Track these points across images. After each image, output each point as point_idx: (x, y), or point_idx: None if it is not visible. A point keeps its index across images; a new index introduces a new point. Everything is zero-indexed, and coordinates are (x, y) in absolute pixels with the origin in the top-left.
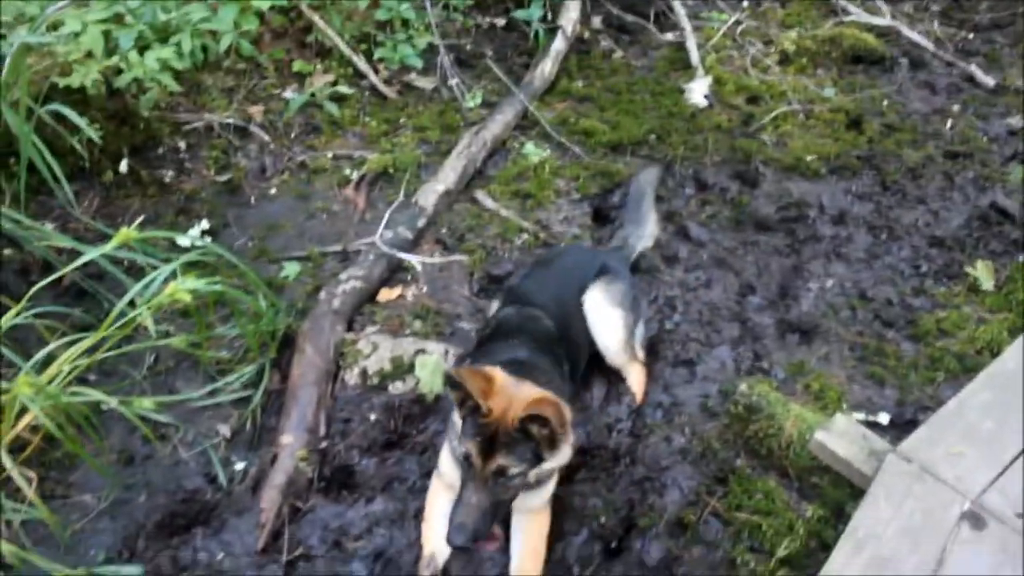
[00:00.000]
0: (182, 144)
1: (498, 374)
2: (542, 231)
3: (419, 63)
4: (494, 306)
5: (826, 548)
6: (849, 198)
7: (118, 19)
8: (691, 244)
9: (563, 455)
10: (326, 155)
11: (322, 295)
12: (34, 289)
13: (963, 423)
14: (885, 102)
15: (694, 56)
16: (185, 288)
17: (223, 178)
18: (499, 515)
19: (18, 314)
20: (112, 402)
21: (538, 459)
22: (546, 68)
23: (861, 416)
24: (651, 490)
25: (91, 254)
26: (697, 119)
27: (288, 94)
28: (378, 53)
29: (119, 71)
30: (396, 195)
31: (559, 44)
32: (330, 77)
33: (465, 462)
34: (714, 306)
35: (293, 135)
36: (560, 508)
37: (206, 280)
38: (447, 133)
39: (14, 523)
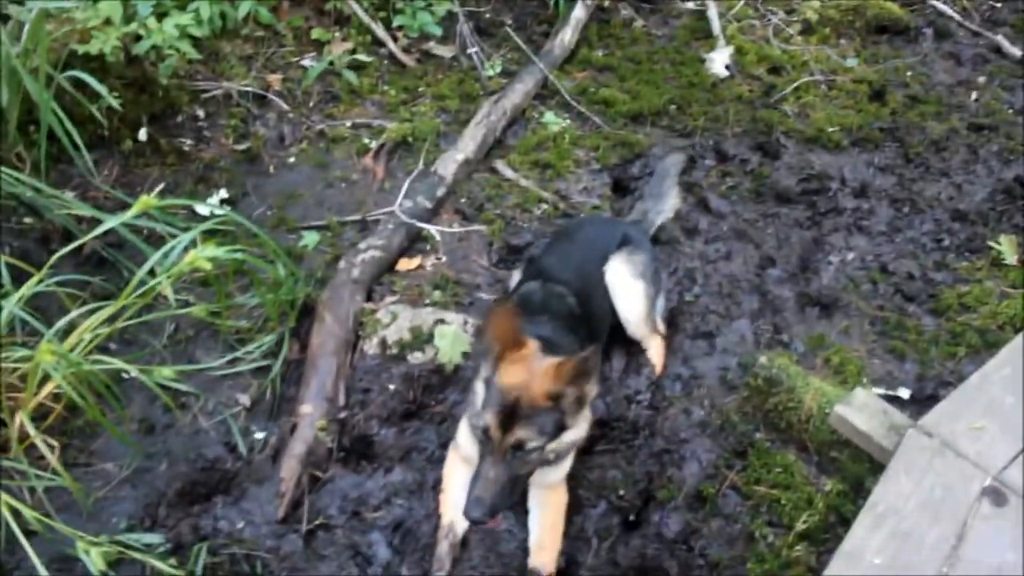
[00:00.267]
0: (201, 112)
1: (532, 344)
2: (561, 201)
3: (438, 31)
4: (515, 276)
5: (845, 523)
6: (871, 170)
7: None
8: (711, 216)
9: (582, 428)
10: (345, 124)
11: (341, 264)
12: (55, 257)
13: (985, 398)
14: (909, 73)
15: (715, 25)
16: (205, 256)
17: (242, 147)
18: (517, 490)
19: (39, 282)
20: (133, 371)
21: (560, 430)
22: (566, 37)
23: (881, 391)
24: (670, 463)
25: (111, 222)
26: (718, 89)
27: (307, 62)
28: (397, 21)
29: (138, 38)
30: (415, 164)
31: (579, 12)
32: (349, 45)
33: (484, 435)
34: (734, 278)
35: (312, 103)
36: (579, 481)
37: (226, 248)
38: (466, 102)
39: (38, 490)
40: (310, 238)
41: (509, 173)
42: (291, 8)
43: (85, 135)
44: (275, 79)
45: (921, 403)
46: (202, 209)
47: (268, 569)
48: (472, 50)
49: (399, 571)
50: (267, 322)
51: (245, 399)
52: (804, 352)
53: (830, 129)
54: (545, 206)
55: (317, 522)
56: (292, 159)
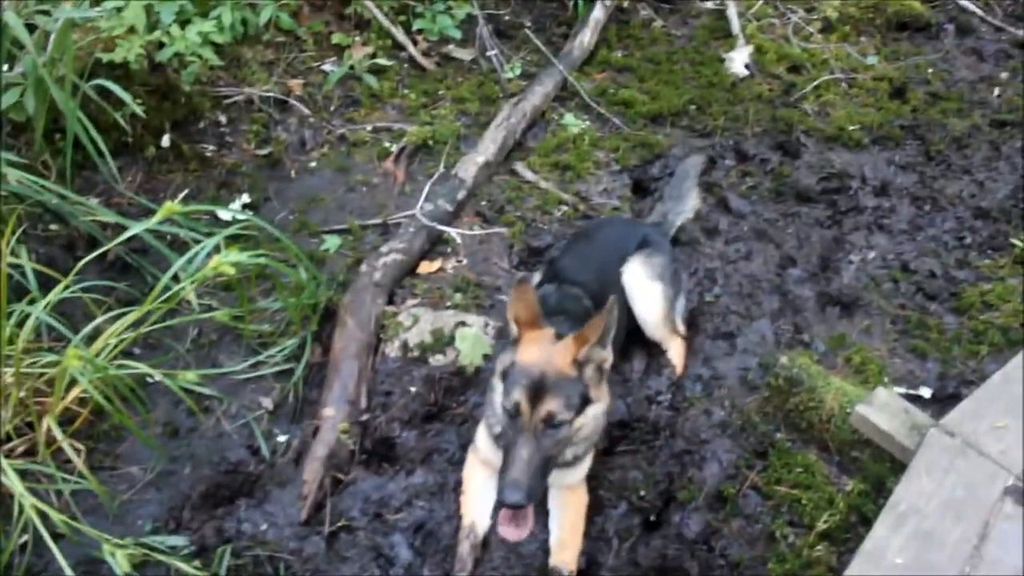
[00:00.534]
0: (223, 118)
1: (549, 330)
2: (582, 203)
3: (457, 34)
4: (535, 278)
5: (866, 522)
6: (892, 168)
7: None
8: (731, 216)
9: (603, 403)
10: (365, 128)
11: (363, 268)
12: (80, 264)
13: (1008, 396)
14: (930, 70)
15: (735, 24)
16: (228, 261)
17: (264, 152)
18: (547, 475)
19: (65, 288)
20: (157, 375)
21: (584, 403)
22: (585, 38)
23: (902, 390)
24: (691, 463)
25: (135, 228)
26: (738, 89)
27: (327, 67)
28: (416, 24)
29: (161, 45)
30: (436, 167)
31: (598, 13)
32: (369, 49)
33: (513, 414)
34: (754, 278)
35: (332, 108)
36: (599, 482)
37: (249, 253)
38: (486, 105)
39: (64, 493)
40: (332, 242)
41: (529, 175)
42: (312, 13)
43: (109, 142)
44: (296, 84)
45: (943, 402)
46: (224, 214)
47: (291, 571)
48: (492, 52)
49: (421, 572)
50: (289, 326)
51: (268, 402)
52: (825, 352)
53: (850, 127)
54: (565, 208)
55: (339, 524)
56: (313, 163)
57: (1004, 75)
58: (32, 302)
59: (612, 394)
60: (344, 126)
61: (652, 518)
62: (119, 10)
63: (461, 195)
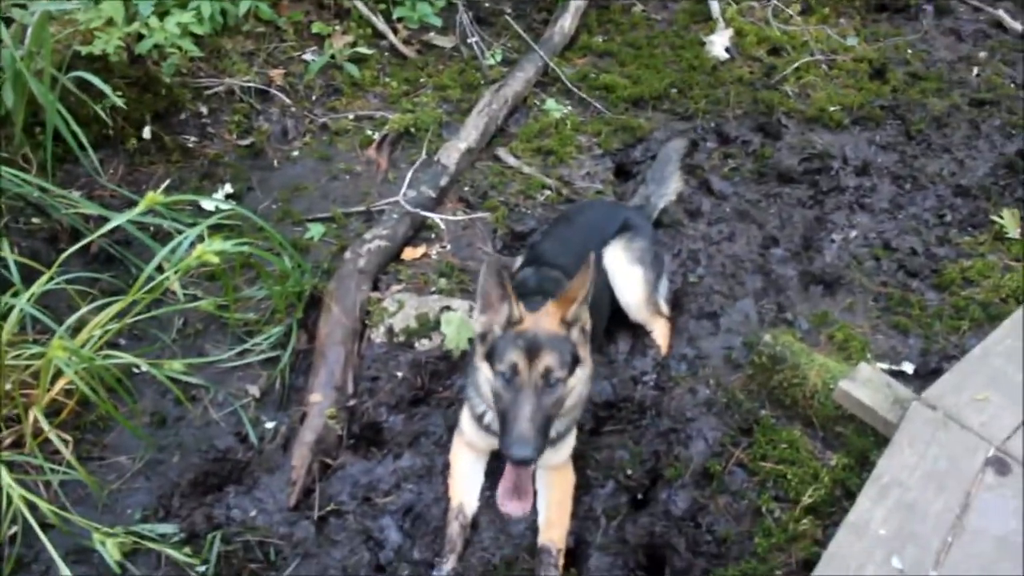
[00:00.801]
0: (204, 109)
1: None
2: (564, 187)
3: (438, 22)
4: (518, 262)
5: (851, 496)
6: (873, 148)
7: None
8: (714, 197)
9: (588, 367)
10: (347, 116)
11: (347, 255)
12: (63, 256)
13: (988, 369)
14: (909, 51)
15: (715, 8)
16: (212, 250)
17: (246, 142)
18: (548, 435)
19: (49, 280)
20: (144, 365)
21: (575, 362)
22: (565, 24)
23: (885, 366)
24: (677, 441)
25: (118, 219)
26: (718, 72)
27: (308, 56)
28: (397, 12)
29: (140, 37)
30: (418, 154)
31: None
32: (349, 38)
33: (510, 376)
34: (737, 259)
35: (314, 97)
36: (587, 461)
37: (233, 242)
38: (468, 91)
39: (53, 484)
40: (316, 230)
41: (512, 160)
42: (291, 3)
43: (90, 135)
44: (277, 74)
45: (925, 377)
46: (208, 204)
47: (281, 556)
48: (472, 40)
49: (411, 554)
50: (275, 314)
51: (255, 390)
52: (808, 330)
53: (831, 108)
54: (548, 192)
55: (328, 508)
56: (296, 153)
57: (983, 55)
58: (16, 295)
59: (598, 375)
60: (326, 115)
61: (639, 496)
62: (97, 2)
63: (444, 181)
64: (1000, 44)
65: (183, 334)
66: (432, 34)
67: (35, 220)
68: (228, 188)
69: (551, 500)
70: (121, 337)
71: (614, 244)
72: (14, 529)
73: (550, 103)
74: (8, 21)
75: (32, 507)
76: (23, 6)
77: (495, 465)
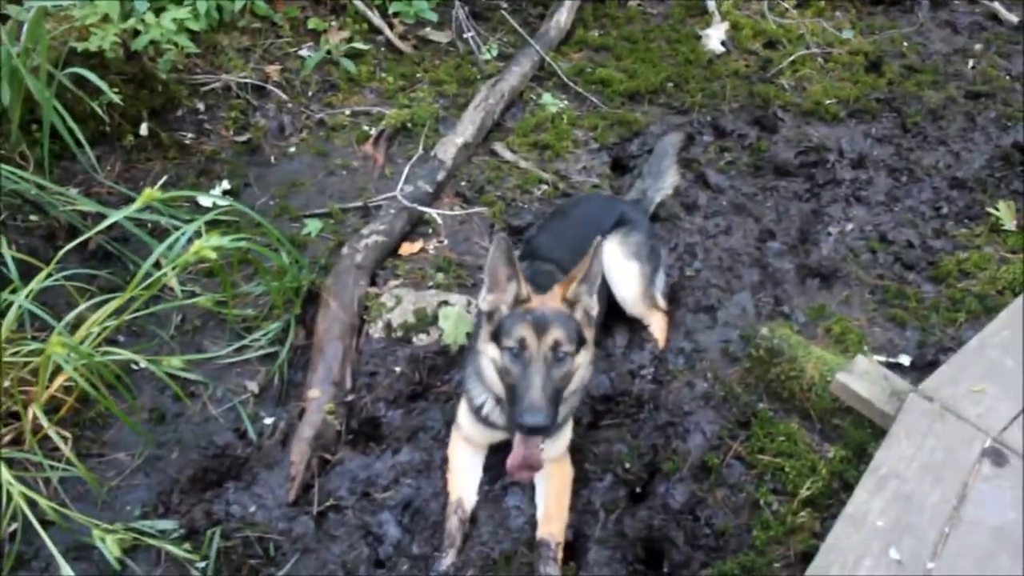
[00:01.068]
0: (201, 105)
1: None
2: (561, 181)
3: (434, 17)
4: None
5: (848, 488)
6: (869, 141)
7: None
8: (710, 191)
9: (590, 349)
10: (344, 112)
11: (344, 250)
12: (61, 253)
13: (985, 361)
14: (905, 43)
15: (710, 1)
16: (210, 246)
17: (242, 138)
18: (558, 405)
19: (48, 276)
20: (142, 361)
21: (581, 342)
22: (561, 18)
23: (882, 358)
24: (674, 435)
25: (115, 216)
26: (714, 65)
27: (304, 52)
28: (393, 8)
29: (136, 33)
30: (415, 149)
31: None
32: (345, 34)
33: (518, 351)
34: (734, 252)
35: (310, 93)
36: (585, 455)
37: (230, 238)
38: (464, 86)
39: (53, 481)
40: (313, 226)
41: (508, 155)
42: None
43: (87, 132)
44: (273, 70)
45: (922, 370)
46: (205, 201)
47: (281, 551)
48: (468, 34)
49: (410, 549)
50: (273, 310)
51: (253, 386)
52: (805, 322)
53: (827, 101)
54: (545, 187)
55: (327, 504)
56: (293, 149)
57: (978, 47)
58: (14, 292)
59: (596, 369)
60: (323, 111)
61: (637, 490)
62: None
63: (441, 176)
64: (996, 36)
65: (181, 330)
66: (428, 29)
67: (33, 217)
68: (225, 184)
69: (550, 494)
70: (120, 334)
71: (610, 238)
72: (14, 526)
73: (546, 98)
74: (4, 18)
75: (32, 504)
76: (19, 2)
77: (493, 460)
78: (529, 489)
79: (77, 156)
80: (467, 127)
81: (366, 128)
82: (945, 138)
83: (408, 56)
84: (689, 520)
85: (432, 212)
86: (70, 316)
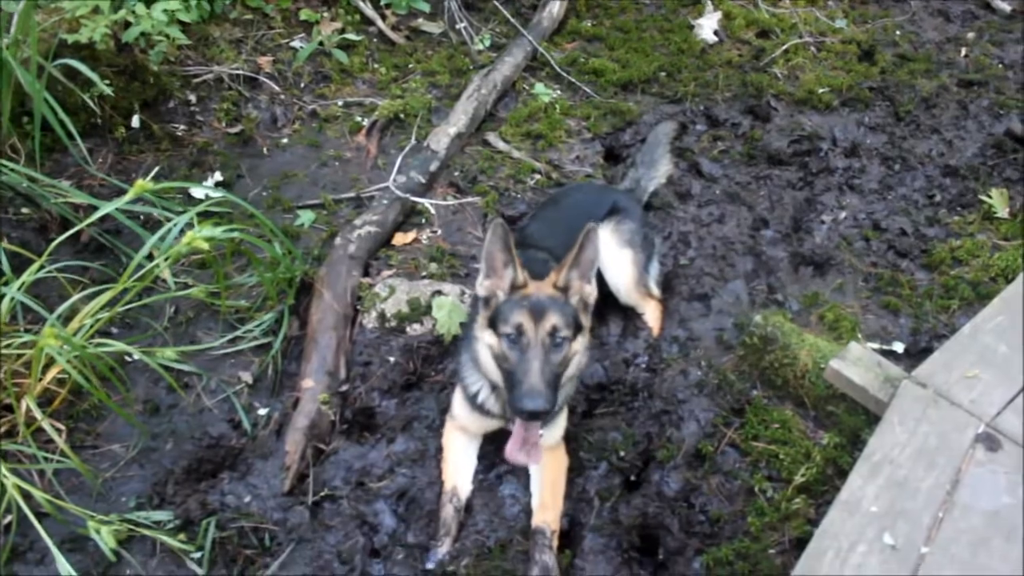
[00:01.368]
0: (192, 97)
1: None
2: (554, 171)
3: (426, 7)
4: None
5: (843, 474)
6: (862, 130)
7: None
8: (704, 180)
9: (586, 336)
10: (336, 103)
11: (337, 241)
12: (53, 245)
13: (978, 347)
14: (898, 32)
15: None
16: (202, 236)
17: (235, 130)
18: (557, 390)
19: (40, 269)
20: (136, 353)
21: (578, 328)
22: (554, 8)
23: (876, 345)
24: (669, 423)
25: (107, 207)
26: (707, 55)
27: (296, 43)
28: None
29: (127, 25)
30: (408, 140)
31: None
32: (337, 24)
33: (515, 337)
34: (728, 241)
35: (303, 84)
36: (579, 443)
37: (223, 228)
38: (457, 77)
39: (47, 473)
40: (306, 216)
41: (501, 145)
42: None
43: (78, 124)
44: (265, 61)
45: (915, 356)
46: (197, 192)
47: (276, 541)
48: (461, 25)
49: (405, 538)
50: (266, 300)
51: (247, 376)
52: (799, 310)
53: (820, 90)
54: (538, 176)
55: (323, 493)
56: (285, 140)
57: (971, 35)
58: (6, 284)
59: (590, 358)
60: (315, 102)
61: (632, 477)
62: None
63: (434, 167)
64: (988, 25)
65: (175, 322)
66: (420, 20)
67: (24, 210)
68: (218, 176)
69: (545, 483)
70: (113, 326)
71: (602, 228)
72: (9, 518)
73: (539, 87)
74: None
75: (26, 496)
76: None
77: (488, 448)
78: (524, 477)
79: (68, 148)
80: (460, 117)
81: (359, 119)
82: (938, 126)
83: (400, 47)
84: (684, 507)
85: (425, 202)
86: (63, 308)
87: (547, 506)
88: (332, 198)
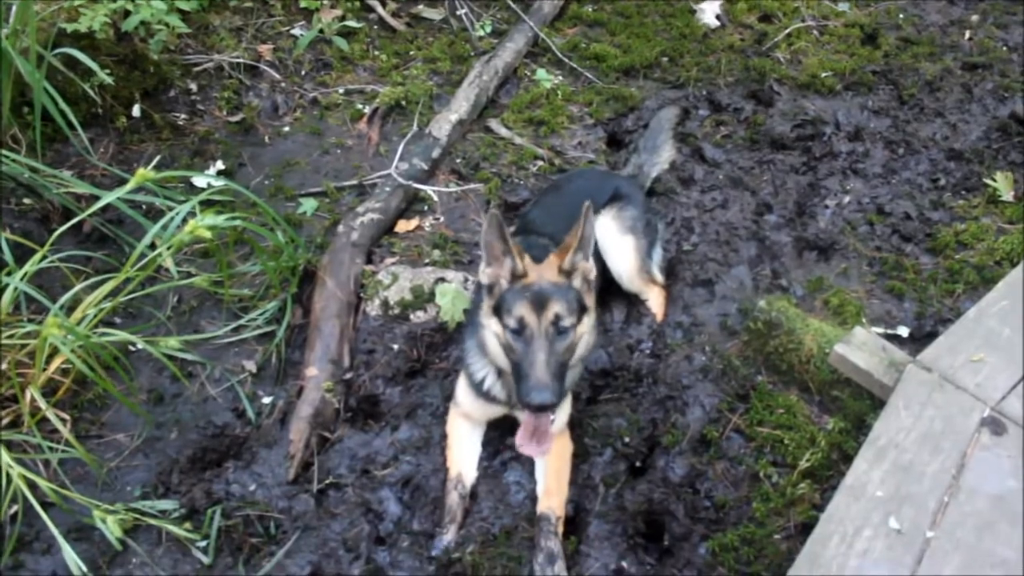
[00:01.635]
0: (193, 86)
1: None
2: (556, 157)
3: None
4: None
5: (848, 459)
6: (865, 114)
7: None
8: (707, 165)
9: (593, 316)
10: (338, 91)
11: (340, 229)
12: (55, 235)
13: (983, 330)
14: (901, 15)
15: None
16: (205, 225)
17: (236, 118)
18: (564, 379)
19: (43, 258)
20: (139, 342)
21: (582, 310)
22: None
23: (880, 330)
24: (674, 409)
25: (108, 197)
26: (709, 39)
27: (296, 31)
28: None
29: (126, 14)
30: (409, 127)
31: None
32: (338, 12)
33: (519, 329)
34: (731, 226)
35: (304, 72)
36: (584, 430)
37: (225, 217)
38: (458, 63)
39: (52, 462)
40: (308, 204)
41: (503, 131)
42: None
43: (79, 114)
44: (266, 49)
45: (920, 341)
46: (199, 181)
47: (281, 529)
48: (462, 11)
49: (410, 525)
50: (269, 289)
51: (251, 365)
52: (803, 295)
53: (823, 74)
54: (540, 163)
55: (327, 482)
56: (287, 128)
57: (975, 18)
58: (9, 274)
59: (595, 343)
60: (316, 89)
61: (637, 463)
62: None
63: (436, 153)
64: (992, 7)
65: (178, 311)
66: (421, 6)
67: (26, 200)
68: (219, 165)
69: (549, 469)
70: (116, 315)
71: (604, 213)
72: (15, 508)
73: (541, 73)
74: None
75: (32, 486)
76: None
77: (492, 435)
78: (529, 464)
79: (69, 138)
80: (461, 104)
81: (360, 106)
82: (942, 110)
83: (401, 34)
84: (689, 493)
85: (427, 189)
86: (66, 298)
87: (552, 492)
88: (334, 186)
